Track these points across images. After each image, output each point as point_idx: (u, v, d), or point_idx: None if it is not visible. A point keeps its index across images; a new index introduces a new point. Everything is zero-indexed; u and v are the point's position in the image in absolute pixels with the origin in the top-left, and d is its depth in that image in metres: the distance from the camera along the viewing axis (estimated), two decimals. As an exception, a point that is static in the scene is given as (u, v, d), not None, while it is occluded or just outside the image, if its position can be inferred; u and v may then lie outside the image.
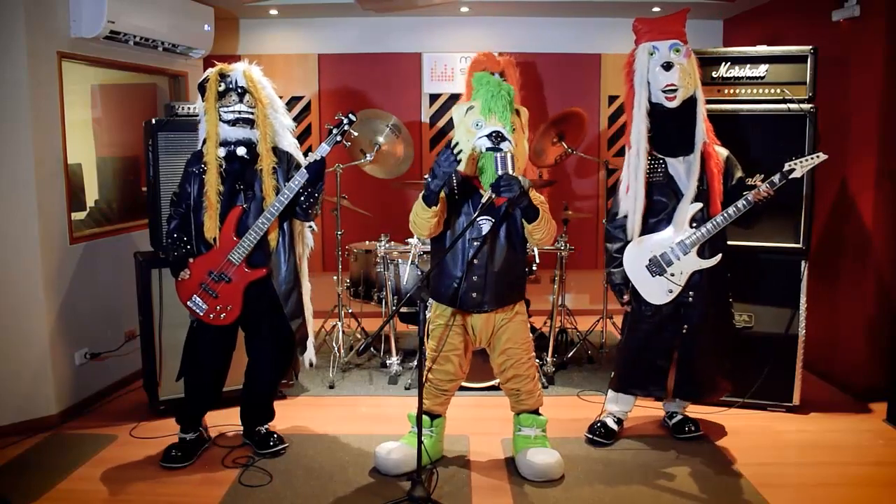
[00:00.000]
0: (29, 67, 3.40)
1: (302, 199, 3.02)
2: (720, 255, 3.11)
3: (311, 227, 3.38)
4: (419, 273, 4.30)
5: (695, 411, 3.54)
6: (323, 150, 3.01)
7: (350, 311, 4.78)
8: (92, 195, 4.06)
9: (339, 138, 3.04)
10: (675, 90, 3.06)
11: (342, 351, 4.46)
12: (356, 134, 3.08)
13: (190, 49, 4.58)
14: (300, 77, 5.60)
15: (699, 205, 3.10)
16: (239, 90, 3.01)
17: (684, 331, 3.17)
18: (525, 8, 5.31)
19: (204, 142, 3.05)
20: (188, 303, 3.06)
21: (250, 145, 3.04)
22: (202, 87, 3.06)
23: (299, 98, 5.62)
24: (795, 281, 3.58)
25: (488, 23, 5.58)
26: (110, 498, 2.87)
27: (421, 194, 2.82)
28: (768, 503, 2.79)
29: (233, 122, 3.01)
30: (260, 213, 3.00)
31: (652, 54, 3.11)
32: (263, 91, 3.09)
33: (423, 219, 2.84)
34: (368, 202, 5.62)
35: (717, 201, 3.09)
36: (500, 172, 2.75)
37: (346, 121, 3.03)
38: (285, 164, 3.13)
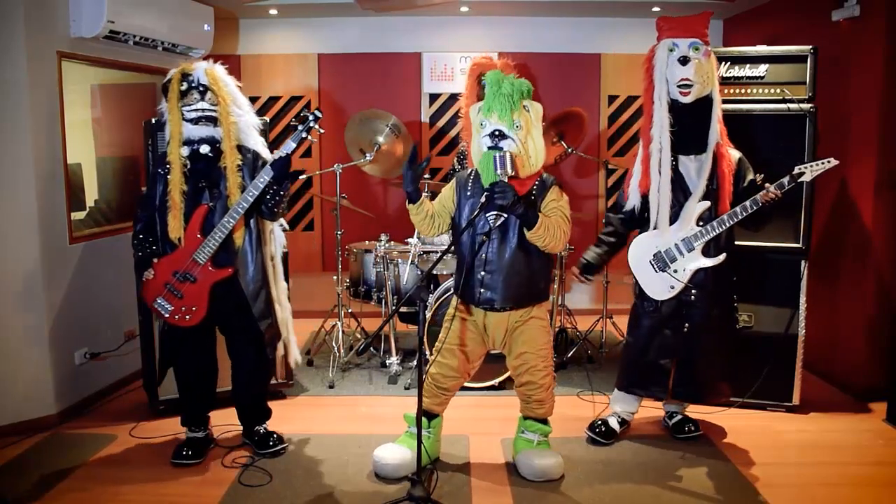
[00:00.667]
0: (29, 67, 3.40)
1: (267, 196, 3.01)
2: (724, 255, 3.11)
3: (282, 225, 3.37)
4: (419, 273, 4.31)
5: (695, 411, 3.54)
6: (288, 147, 2.97)
7: (350, 310, 4.78)
8: (92, 195, 4.06)
9: (304, 135, 3.00)
10: (689, 85, 3.06)
11: (342, 351, 4.46)
12: (322, 131, 3.06)
13: (190, 49, 4.57)
14: (300, 77, 5.60)
15: (707, 203, 3.10)
16: (200, 88, 2.99)
17: (685, 329, 3.17)
18: (525, 8, 5.31)
19: (168, 143, 3.03)
20: (153, 304, 3.04)
21: (214, 143, 3.02)
22: (165, 88, 3.04)
23: (299, 98, 5.62)
24: (795, 281, 3.58)
25: (488, 22, 5.58)
26: (110, 498, 2.87)
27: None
28: (768, 503, 2.80)
29: (195, 121, 2.99)
30: (227, 212, 2.98)
31: (672, 50, 3.11)
32: (226, 88, 3.06)
33: (414, 217, 2.93)
34: (368, 202, 5.63)
35: (726, 201, 3.09)
36: (498, 172, 2.74)
37: (311, 117, 3.00)
38: (251, 161, 3.10)
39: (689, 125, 3.12)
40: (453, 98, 5.63)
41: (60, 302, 3.63)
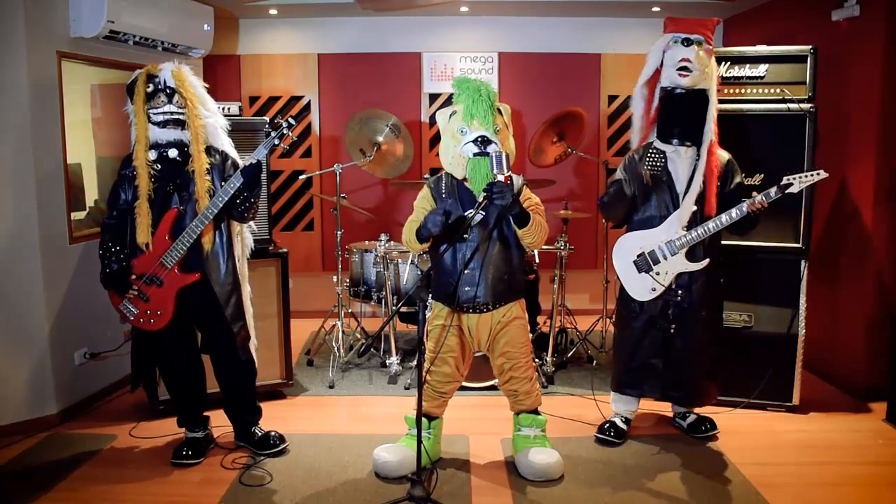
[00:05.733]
0: (29, 67, 3.40)
1: (238, 202, 2.98)
2: (708, 260, 3.12)
3: (249, 227, 3.35)
4: (419, 273, 4.31)
5: (696, 410, 3.53)
6: (260, 153, 2.95)
7: (350, 310, 4.78)
8: (92, 195, 4.06)
9: (276, 142, 2.97)
10: (688, 68, 3.06)
11: (342, 351, 4.46)
12: (296, 138, 3.02)
13: (190, 49, 4.58)
14: (300, 77, 5.60)
15: (694, 207, 3.10)
16: (167, 91, 2.95)
17: (672, 330, 3.18)
18: (525, 8, 5.31)
19: (133, 146, 2.99)
20: (119, 306, 3.02)
21: (182, 147, 2.99)
22: (130, 89, 3.01)
23: (299, 98, 5.62)
24: (795, 281, 3.58)
25: (488, 23, 5.58)
26: (110, 498, 2.88)
27: (415, 227, 2.91)
28: (768, 503, 2.80)
29: (162, 124, 2.95)
30: (196, 216, 2.95)
31: (676, 42, 3.14)
32: (193, 90, 3.03)
33: (414, 245, 2.96)
34: (368, 202, 5.64)
35: (711, 201, 3.10)
36: (495, 172, 2.76)
37: (285, 124, 2.97)
38: (220, 163, 3.08)
39: (683, 115, 3.12)
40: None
41: (60, 302, 3.63)
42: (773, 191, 2.96)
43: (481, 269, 2.93)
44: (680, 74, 3.08)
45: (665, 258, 3.13)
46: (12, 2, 3.33)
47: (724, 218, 3.03)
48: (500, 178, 2.75)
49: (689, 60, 3.06)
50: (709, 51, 3.14)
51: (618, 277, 3.27)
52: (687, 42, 3.09)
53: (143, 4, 4.00)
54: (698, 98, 3.11)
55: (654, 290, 3.16)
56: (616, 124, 5.67)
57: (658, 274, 3.14)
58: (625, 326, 3.31)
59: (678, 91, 3.11)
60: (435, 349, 3.04)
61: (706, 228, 3.06)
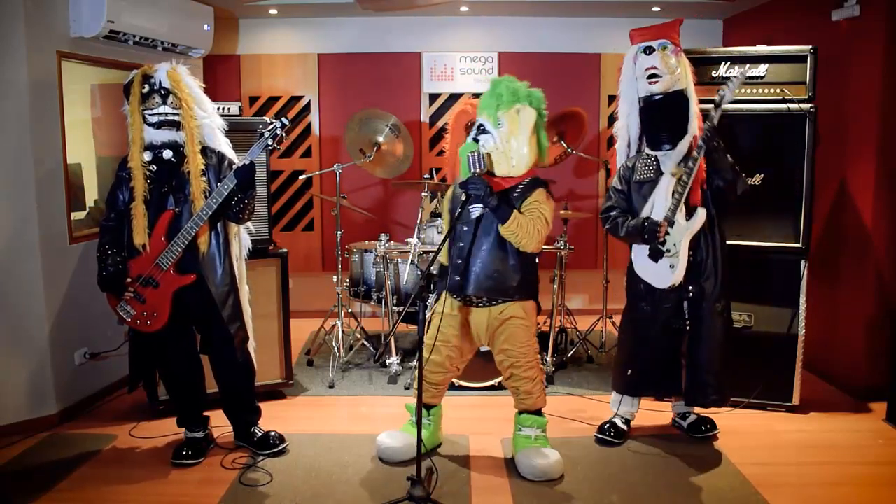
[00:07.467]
0: (29, 67, 3.40)
1: (232, 202, 2.98)
2: (704, 211, 3.07)
3: (247, 228, 3.36)
4: (419, 273, 4.31)
5: (696, 411, 3.53)
6: (253, 153, 2.95)
7: (350, 310, 4.78)
8: (92, 195, 4.06)
9: (269, 142, 2.97)
10: (657, 75, 3.09)
11: (342, 351, 4.46)
12: (284, 135, 3.03)
13: (190, 49, 4.58)
14: (300, 77, 5.60)
15: (673, 179, 3.08)
16: (162, 91, 2.96)
17: (688, 327, 3.17)
18: (525, 8, 5.31)
19: (129, 147, 2.99)
20: (116, 308, 3.02)
21: (177, 148, 2.99)
22: (126, 90, 3.00)
23: (299, 98, 5.62)
24: (795, 281, 3.58)
25: (488, 23, 5.58)
26: (110, 498, 2.88)
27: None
28: (768, 503, 2.80)
29: (157, 125, 2.96)
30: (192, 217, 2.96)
31: (640, 52, 3.17)
32: (189, 91, 3.02)
33: None
34: (368, 202, 5.64)
35: (696, 189, 3.08)
36: (472, 170, 2.87)
37: (279, 125, 2.97)
38: (217, 164, 3.07)
39: (666, 119, 3.14)
40: (453, 98, 5.63)
41: (60, 302, 3.63)
42: (711, 109, 2.99)
43: (470, 258, 2.99)
44: (650, 82, 3.12)
45: (668, 232, 3.09)
46: (12, 2, 3.33)
47: (690, 162, 3.01)
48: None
49: (655, 67, 3.10)
50: (676, 51, 3.15)
51: (640, 278, 3.21)
52: (649, 50, 3.14)
53: (143, 4, 4.01)
54: (677, 100, 3.13)
55: (672, 266, 3.09)
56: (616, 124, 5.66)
57: (668, 250, 3.11)
58: (636, 328, 3.28)
59: (656, 97, 3.14)
60: (434, 336, 3.08)
61: (682, 182, 3.03)
